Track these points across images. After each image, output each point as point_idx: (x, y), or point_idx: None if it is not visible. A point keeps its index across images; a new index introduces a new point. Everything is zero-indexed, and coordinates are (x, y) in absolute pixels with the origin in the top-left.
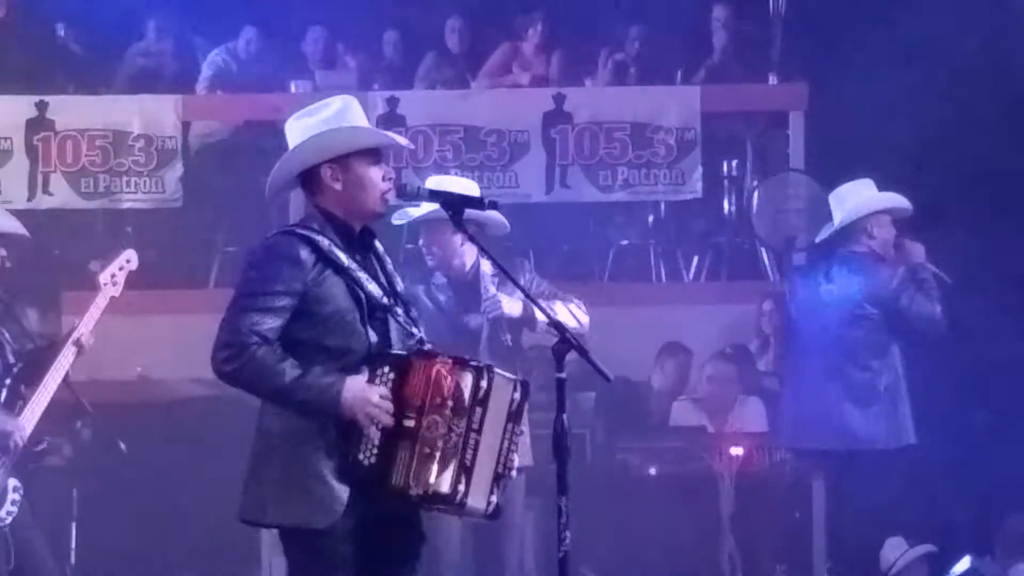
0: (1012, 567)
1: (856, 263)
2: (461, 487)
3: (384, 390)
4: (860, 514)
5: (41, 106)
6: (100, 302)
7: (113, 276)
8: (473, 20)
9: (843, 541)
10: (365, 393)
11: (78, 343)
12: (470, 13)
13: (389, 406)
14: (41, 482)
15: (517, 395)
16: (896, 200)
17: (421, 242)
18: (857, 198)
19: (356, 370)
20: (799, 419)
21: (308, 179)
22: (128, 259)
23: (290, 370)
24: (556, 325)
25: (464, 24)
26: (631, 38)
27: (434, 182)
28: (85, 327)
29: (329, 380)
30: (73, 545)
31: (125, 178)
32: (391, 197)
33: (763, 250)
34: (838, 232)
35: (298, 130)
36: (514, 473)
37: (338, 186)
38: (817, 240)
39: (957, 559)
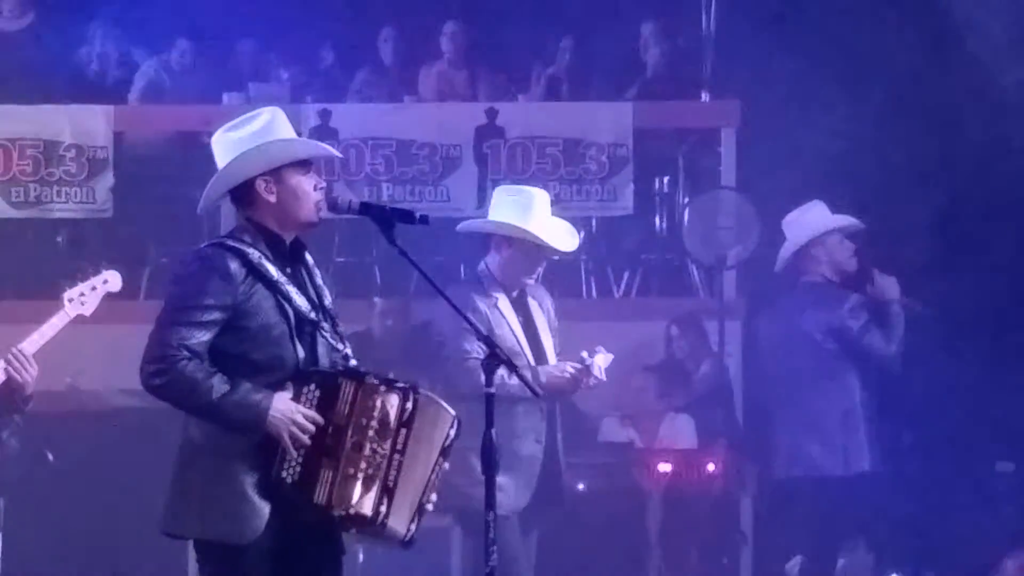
0: None
1: (810, 294)
2: (383, 508)
3: (310, 412)
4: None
5: None
6: (59, 320)
7: (82, 295)
8: (405, 33)
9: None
10: (291, 413)
11: (7, 360)
12: (402, 26)
13: (311, 427)
14: None
15: (453, 431)
16: (838, 221)
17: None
18: (799, 225)
19: (283, 385)
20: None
21: (240, 191)
22: (106, 280)
23: (219, 386)
24: (486, 340)
25: (397, 35)
26: (562, 52)
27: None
28: (35, 343)
29: (257, 398)
30: None
31: (56, 188)
32: (323, 208)
33: (693, 267)
34: (793, 260)
35: (227, 144)
36: (431, 507)
37: (272, 198)
38: (776, 269)
39: None
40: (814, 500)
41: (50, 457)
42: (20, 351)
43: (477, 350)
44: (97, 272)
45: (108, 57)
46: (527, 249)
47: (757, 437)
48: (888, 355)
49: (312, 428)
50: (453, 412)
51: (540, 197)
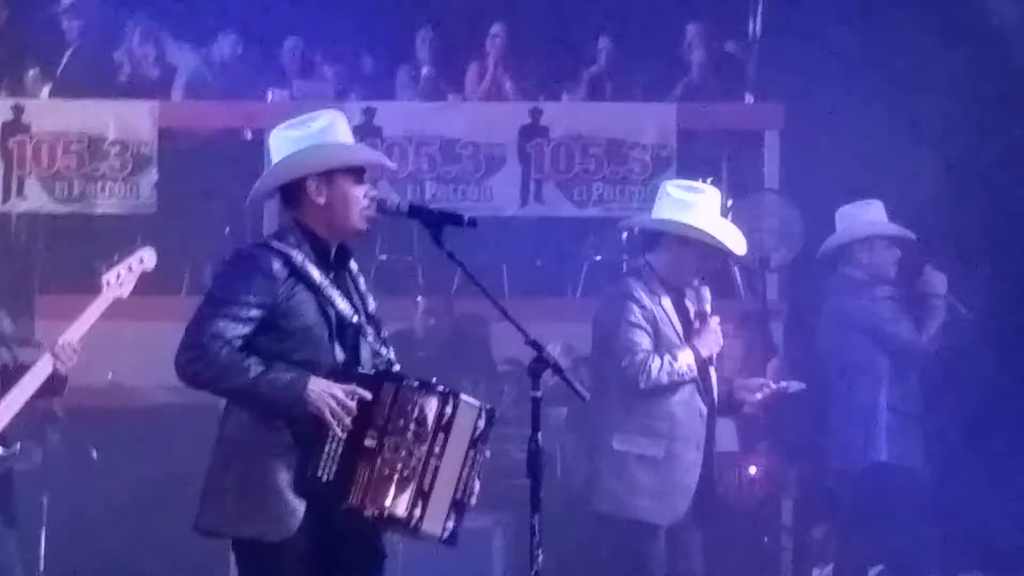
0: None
1: (844, 286)
2: (417, 511)
3: (349, 387)
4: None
5: (17, 110)
6: (99, 304)
7: (119, 276)
8: (446, 33)
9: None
10: (331, 388)
11: (55, 352)
12: (442, 26)
13: (352, 404)
14: (13, 483)
15: (482, 422)
16: (890, 229)
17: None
18: (850, 221)
19: None
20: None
21: (290, 191)
22: (142, 259)
23: (254, 367)
24: (533, 344)
25: (435, 36)
26: (600, 51)
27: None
28: (77, 330)
29: (293, 375)
30: (42, 552)
31: (100, 183)
32: (371, 214)
33: (736, 269)
34: (837, 251)
35: (283, 141)
36: (474, 499)
37: (321, 200)
38: (818, 255)
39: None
40: (842, 489)
41: (94, 454)
42: (68, 343)
43: (647, 342)
44: (133, 251)
45: (151, 52)
46: (699, 250)
47: (799, 435)
48: (918, 345)
49: (353, 405)
50: (477, 403)
51: (712, 196)
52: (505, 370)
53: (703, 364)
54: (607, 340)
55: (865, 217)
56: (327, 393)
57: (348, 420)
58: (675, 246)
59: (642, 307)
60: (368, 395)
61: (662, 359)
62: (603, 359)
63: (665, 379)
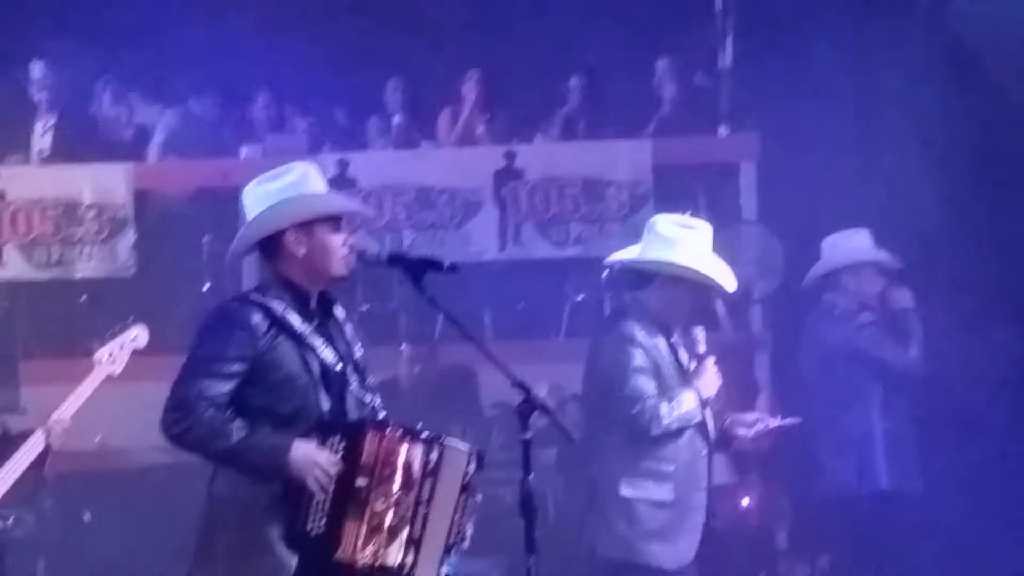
0: None
1: (829, 313)
2: (409, 559)
3: (333, 456)
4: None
5: None
6: (91, 381)
7: (111, 354)
8: (415, 81)
9: None
10: (313, 456)
11: (48, 429)
12: (411, 74)
13: (334, 471)
14: (6, 554)
15: (471, 466)
16: (877, 255)
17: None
18: (837, 249)
19: (308, 437)
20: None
21: (269, 245)
22: (134, 336)
23: (237, 432)
24: (520, 385)
25: (406, 84)
26: (572, 91)
27: None
28: (69, 408)
29: (276, 441)
30: None
31: (78, 248)
32: (352, 261)
33: (718, 301)
34: (822, 279)
35: (258, 196)
36: (467, 543)
37: (301, 251)
38: (803, 284)
39: None
40: (838, 519)
41: (86, 517)
42: (60, 420)
43: (652, 387)
44: (125, 329)
45: (123, 114)
46: (691, 288)
47: (791, 465)
48: (905, 363)
49: (333, 472)
50: (466, 447)
51: (703, 231)
52: (493, 414)
53: (702, 405)
54: (612, 387)
55: (852, 244)
56: (309, 461)
57: (330, 483)
58: (668, 285)
59: (645, 351)
60: (341, 465)
61: (670, 404)
62: (606, 405)
63: (676, 424)
